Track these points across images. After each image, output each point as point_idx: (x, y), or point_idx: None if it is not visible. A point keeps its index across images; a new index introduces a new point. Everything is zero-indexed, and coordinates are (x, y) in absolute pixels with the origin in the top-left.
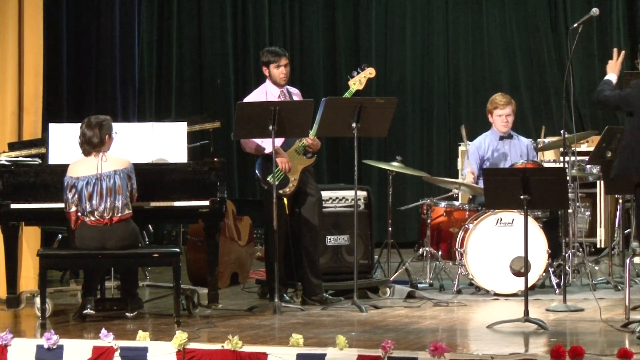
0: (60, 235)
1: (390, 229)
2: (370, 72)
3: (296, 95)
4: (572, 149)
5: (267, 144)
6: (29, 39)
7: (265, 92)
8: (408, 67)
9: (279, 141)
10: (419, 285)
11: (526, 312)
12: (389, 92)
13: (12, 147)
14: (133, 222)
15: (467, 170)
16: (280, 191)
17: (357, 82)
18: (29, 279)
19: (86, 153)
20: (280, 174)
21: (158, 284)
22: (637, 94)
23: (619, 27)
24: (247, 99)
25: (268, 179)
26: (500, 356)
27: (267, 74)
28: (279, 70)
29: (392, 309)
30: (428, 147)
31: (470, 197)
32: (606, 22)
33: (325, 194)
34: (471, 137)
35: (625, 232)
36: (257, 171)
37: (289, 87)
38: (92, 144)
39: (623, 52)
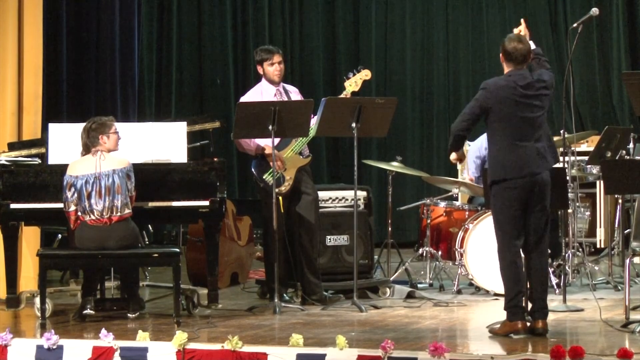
0: (60, 235)
1: (390, 229)
2: (366, 74)
3: (293, 92)
4: (572, 149)
5: (260, 143)
6: (28, 39)
7: (261, 91)
8: (408, 67)
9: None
10: (419, 285)
11: (526, 312)
12: (389, 92)
13: (12, 147)
14: (133, 222)
15: (466, 174)
16: (276, 190)
17: (352, 83)
18: (29, 279)
19: (85, 152)
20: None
21: (158, 284)
22: (493, 90)
23: (619, 27)
24: (243, 99)
25: (264, 177)
26: (500, 356)
27: (262, 72)
28: (273, 68)
29: (392, 309)
30: (428, 147)
31: (470, 197)
32: (606, 22)
33: (325, 194)
34: (472, 138)
35: (625, 232)
36: (253, 170)
37: (285, 85)
38: (86, 146)
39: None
